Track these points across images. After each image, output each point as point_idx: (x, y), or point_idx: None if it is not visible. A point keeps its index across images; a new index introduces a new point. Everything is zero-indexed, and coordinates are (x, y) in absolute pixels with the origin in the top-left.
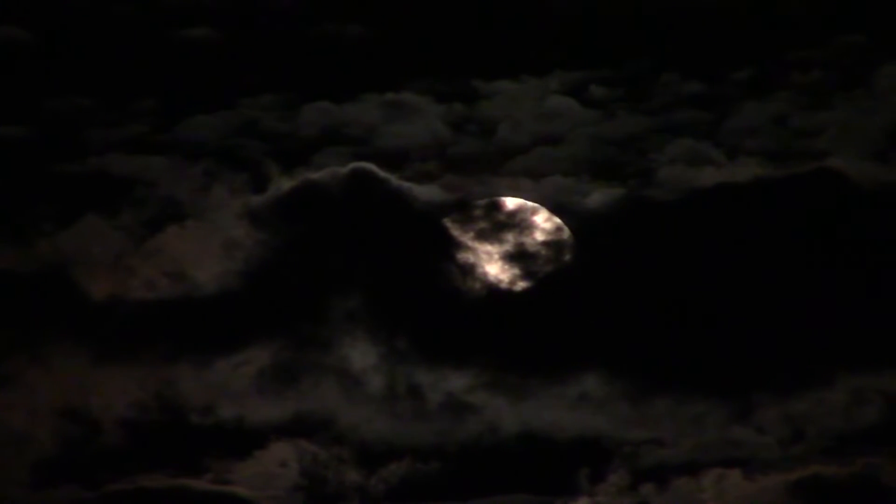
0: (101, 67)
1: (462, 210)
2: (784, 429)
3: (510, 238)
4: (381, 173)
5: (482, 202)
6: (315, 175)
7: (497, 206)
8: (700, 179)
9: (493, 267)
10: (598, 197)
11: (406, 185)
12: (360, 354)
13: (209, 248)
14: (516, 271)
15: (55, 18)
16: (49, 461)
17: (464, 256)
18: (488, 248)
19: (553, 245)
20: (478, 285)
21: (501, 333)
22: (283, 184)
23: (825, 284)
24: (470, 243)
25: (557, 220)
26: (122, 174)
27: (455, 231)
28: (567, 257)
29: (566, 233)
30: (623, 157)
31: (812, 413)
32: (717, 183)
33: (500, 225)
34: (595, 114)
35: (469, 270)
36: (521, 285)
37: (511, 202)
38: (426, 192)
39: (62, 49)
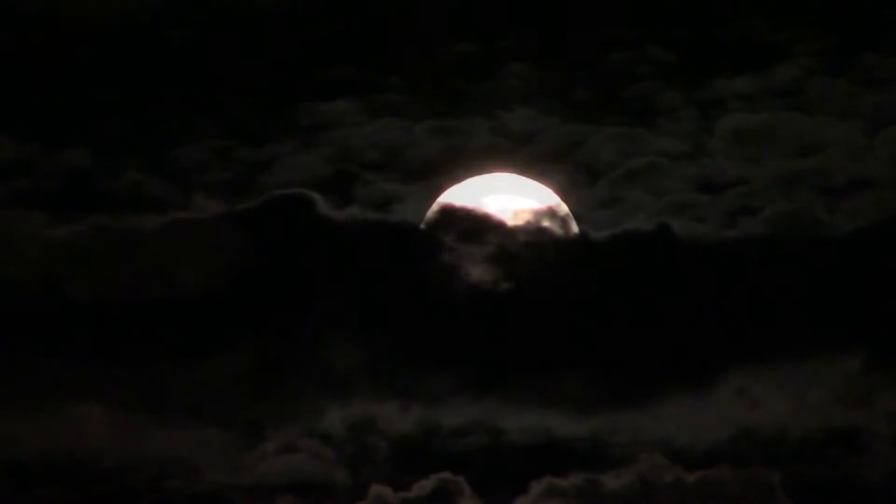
0: (80, 71)
1: (444, 213)
2: (768, 429)
3: (492, 240)
4: (364, 175)
5: (464, 209)
6: (296, 177)
7: (479, 209)
8: None
9: (476, 269)
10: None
11: (388, 186)
12: (344, 357)
13: (192, 251)
14: (498, 273)
15: (33, 23)
16: (33, 462)
17: (446, 258)
18: (470, 249)
19: (535, 247)
20: (461, 287)
21: (484, 336)
22: (265, 186)
23: (808, 284)
24: (452, 245)
25: (539, 222)
26: (106, 176)
27: (437, 233)
28: (550, 261)
29: (548, 235)
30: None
31: (793, 413)
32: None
33: (482, 227)
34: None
35: (452, 272)
36: (503, 287)
37: (492, 204)
38: (407, 194)
39: (39, 53)
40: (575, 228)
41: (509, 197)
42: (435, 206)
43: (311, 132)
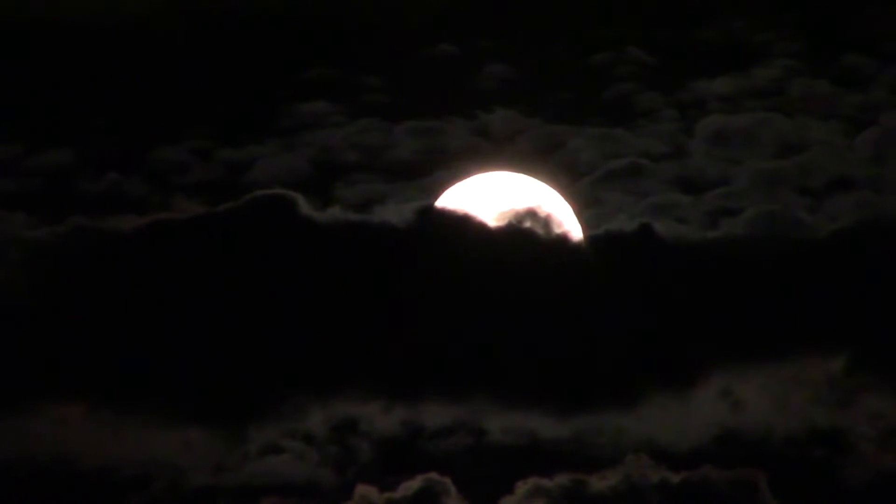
0: (61, 73)
1: (426, 213)
2: (753, 429)
3: (475, 240)
4: (345, 175)
5: (446, 210)
6: (277, 178)
7: (460, 210)
8: None
9: (458, 270)
10: None
11: (369, 187)
12: (326, 357)
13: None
14: (480, 274)
15: (14, 24)
16: (14, 462)
17: (428, 259)
18: (452, 250)
19: (517, 248)
20: (442, 288)
21: (466, 337)
22: (247, 187)
23: (789, 285)
24: (434, 246)
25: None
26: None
27: (419, 234)
28: (533, 261)
29: (531, 236)
30: None
31: (777, 414)
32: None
33: (464, 228)
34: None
35: (434, 273)
36: (485, 288)
37: (482, 205)
38: (388, 194)
39: (19, 54)
40: (558, 229)
41: (507, 196)
42: (417, 207)
43: (291, 133)
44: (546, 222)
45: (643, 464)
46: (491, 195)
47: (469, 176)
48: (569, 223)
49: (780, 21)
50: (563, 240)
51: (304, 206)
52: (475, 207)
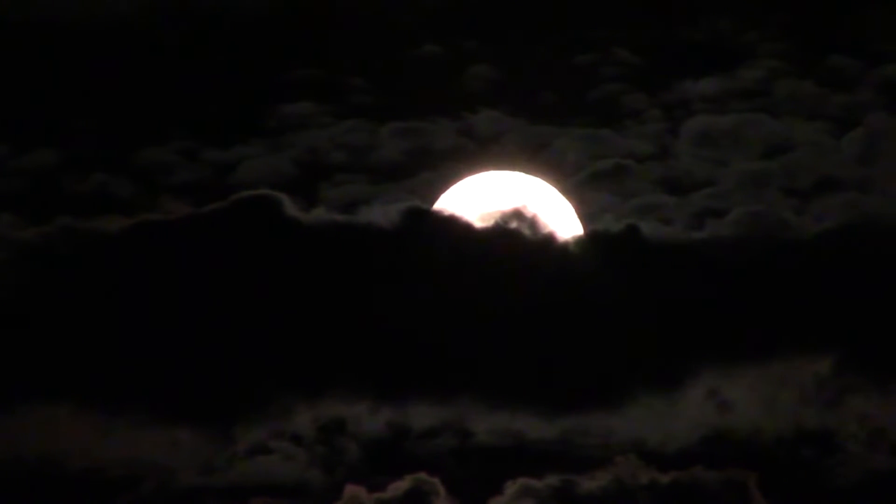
0: (46, 73)
1: (411, 214)
2: (741, 430)
3: (461, 241)
4: (330, 176)
5: (432, 211)
6: (263, 179)
7: (446, 210)
8: None
9: (443, 270)
10: None
11: (354, 188)
12: (313, 358)
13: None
14: (466, 274)
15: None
16: (3, 463)
17: (414, 260)
18: (438, 251)
19: (503, 248)
20: (428, 288)
21: (452, 337)
22: (232, 188)
23: (776, 286)
24: (420, 246)
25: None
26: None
27: (405, 234)
28: (519, 262)
29: (517, 236)
30: None
31: (765, 414)
32: None
33: (450, 229)
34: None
35: (419, 274)
36: (470, 288)
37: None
38: (373, 195)
39: (4, 54)
40: (544, 229)
41: (494, 197)
42: (402, 208)
43: (277, 134)
44: (532, 223)
45: (632, 464)
46: (477, 196)
47: (455, 176)
48: (561, 222)
49: (765, 22)
50: (549, 240)
51: (290, 206)
52: (462, 208)
